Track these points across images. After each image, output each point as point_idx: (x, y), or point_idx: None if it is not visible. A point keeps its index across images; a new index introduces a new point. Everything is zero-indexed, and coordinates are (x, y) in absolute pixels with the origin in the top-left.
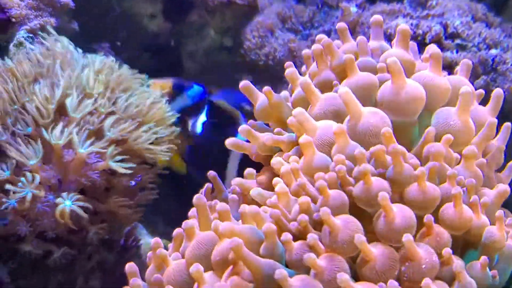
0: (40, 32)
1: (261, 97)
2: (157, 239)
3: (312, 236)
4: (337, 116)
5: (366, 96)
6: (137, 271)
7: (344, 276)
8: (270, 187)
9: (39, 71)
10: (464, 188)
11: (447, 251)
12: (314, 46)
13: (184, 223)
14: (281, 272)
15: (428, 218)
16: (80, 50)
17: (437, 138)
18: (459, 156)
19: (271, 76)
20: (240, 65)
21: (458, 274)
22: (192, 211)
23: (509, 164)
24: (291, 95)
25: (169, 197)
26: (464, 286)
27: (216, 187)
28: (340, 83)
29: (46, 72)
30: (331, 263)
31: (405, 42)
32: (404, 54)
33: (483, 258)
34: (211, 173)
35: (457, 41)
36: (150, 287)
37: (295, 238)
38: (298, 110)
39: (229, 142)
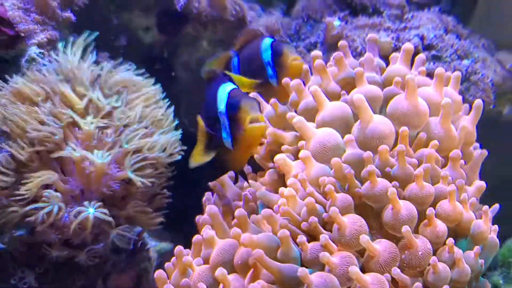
0: (49, 47)
1: (267, 107)
2: (179, 248)
3: (324, 237)
4: (344, 122)
5: (372, 106)
6: (166, 278)
7: (354, 269)
8: (273, 188)
9: (52, 88)
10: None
11: (450, 240)
12: (318, 61)
13: (204, 233)
14: (303, 270)
15: (430, 211)
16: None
17: (426, 145)
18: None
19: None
20: None
21: (458, 261)
22: (199, 218)
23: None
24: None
25: None
26: (462, 271)
27: (218, 194)
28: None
29: (57, 89)
30: (342, 259)
31: (407, 59)
32: (406, 71)
33: (477, 248)
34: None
35: (433, 52)
36: None
37: (307, 236)
38: (298, 118)
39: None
